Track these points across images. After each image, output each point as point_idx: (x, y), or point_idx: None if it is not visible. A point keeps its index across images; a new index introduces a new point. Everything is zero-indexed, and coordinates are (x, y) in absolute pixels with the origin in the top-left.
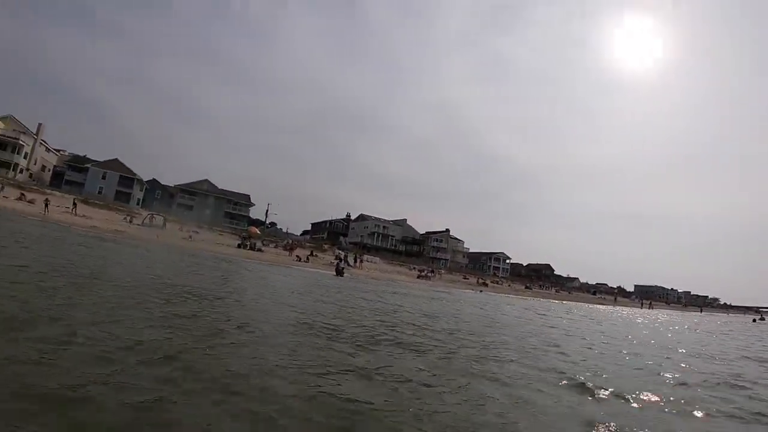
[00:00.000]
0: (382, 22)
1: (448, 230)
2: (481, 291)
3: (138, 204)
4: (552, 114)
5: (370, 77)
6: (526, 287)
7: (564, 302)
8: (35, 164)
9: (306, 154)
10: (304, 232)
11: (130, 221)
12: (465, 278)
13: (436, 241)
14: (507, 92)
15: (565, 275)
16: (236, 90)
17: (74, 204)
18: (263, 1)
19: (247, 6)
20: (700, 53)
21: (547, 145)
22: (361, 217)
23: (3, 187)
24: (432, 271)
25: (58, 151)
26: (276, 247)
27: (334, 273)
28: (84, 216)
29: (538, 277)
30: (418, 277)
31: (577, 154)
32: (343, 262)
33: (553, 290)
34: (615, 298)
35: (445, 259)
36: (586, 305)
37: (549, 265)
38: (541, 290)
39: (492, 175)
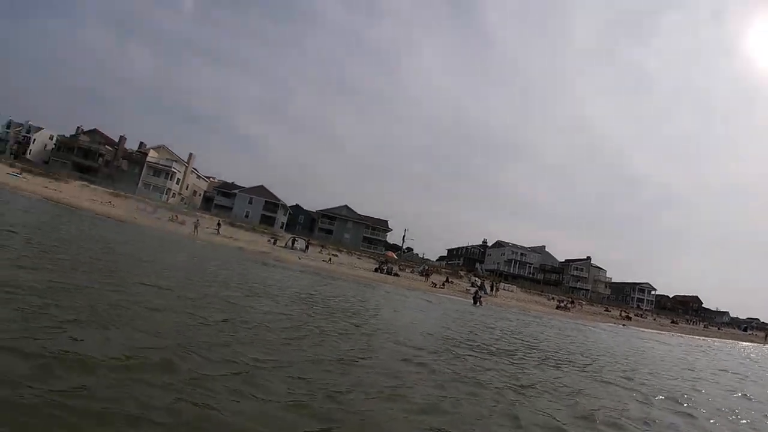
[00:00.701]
0: (508, 43)
1: (589, 258)
2: (623, 325)
3: (282, 227)
4: (698, 128)
5: (502, 100)
6: (673, 322)
7: (722, 340)
8: (187, 189)
9: (441, 180)
10: (440, 258)
11: (274, 243)
12: (606, 310)
13: (576, 269)
14: (647, 107)
15: (713, 309)
16: (372, 118)
17: (218, 225)
18: (393, 34)
19: (378, 40)
20: None
21: (694, 163)
22: (498, 244)
23: (156, 209)
24: (572, 302)
25: (208, 178)
26: (412, 272)
27: (472, 302)
28: (231, 237)
29: (685, 311)
30: (557, 307)
31: (729, 173)
32: (481, 290)
33: (701, 325)
34: (765, 336)
35: (586, 289)
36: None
37: (697, 297)
38: (688, 325)
39: (635, 199)
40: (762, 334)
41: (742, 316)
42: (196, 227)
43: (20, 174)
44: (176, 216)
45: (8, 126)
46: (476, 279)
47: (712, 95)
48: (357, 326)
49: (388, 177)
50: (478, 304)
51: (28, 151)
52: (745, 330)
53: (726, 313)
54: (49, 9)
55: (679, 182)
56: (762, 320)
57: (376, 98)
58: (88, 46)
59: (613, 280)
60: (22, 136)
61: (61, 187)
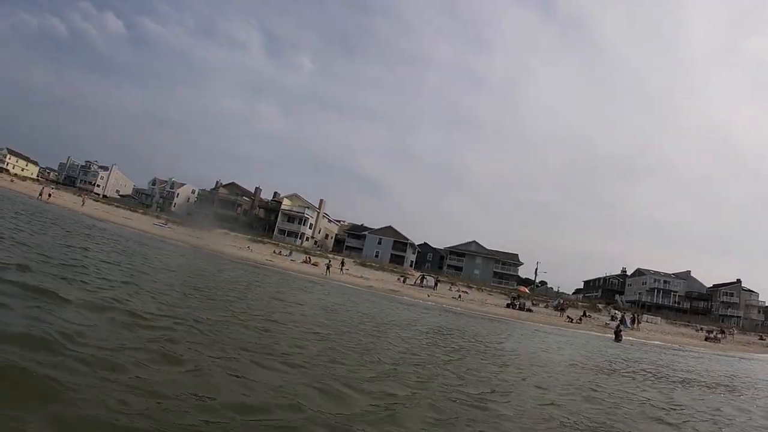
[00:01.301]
0: (625, 55)
1: (739, 281)
2: None
3: (411, 266)
4: None
5: (628, 117)
6: None
7: None
8: (319, 233)
9: (573, 209)
10: (577, 291)
11: (404, 281)
12: (761, 338)
13: (726, 294)
14: None
15: None
16: (494, 152)
17: (342, 263)
18: (505, 64)
19: (492, 71)
20: None
21: None
22: (638, 272)
23: (291, 252)
24: (722, 332)
25: (339, 221)
26: (546, 306)
27: (614, 338)
28: (361, 277)
29: None
30: (706, 339)
31: None
32: (621, 324)
33: None
34: None
35: (737, 316)
36: None
37: None
38: None
39: None
40: None
41: None
42: (328, 268)
43: (166, 224)
44: (309, 258)
45: (153, 183)
46: (616, 312)
47: None
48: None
49: (515, 210)
50: (618, 340)
51: (173, 205)
52: None
53: None
54: (184, 81)
55: None
56: None
57: (497, 131)
58: (222, 108)
59: (767, 304)
60: (167, 191)
61: (203, 235)
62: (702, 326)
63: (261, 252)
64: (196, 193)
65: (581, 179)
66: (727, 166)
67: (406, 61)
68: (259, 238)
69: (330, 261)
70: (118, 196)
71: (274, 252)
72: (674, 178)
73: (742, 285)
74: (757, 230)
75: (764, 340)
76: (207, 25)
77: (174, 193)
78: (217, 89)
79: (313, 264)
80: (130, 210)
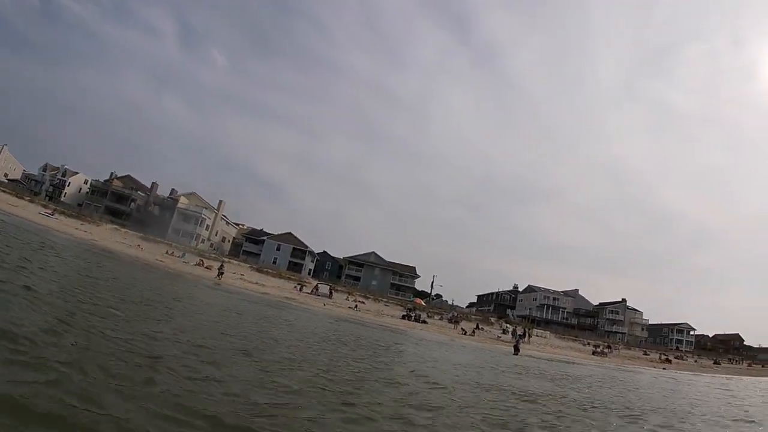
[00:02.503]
0: (531, 86)
1: (624, 300)
2: (664, 368)
3: (309, 274)
4: (728, 160)
5: (527, 144)
6: (715, 362)
7: None
8: (216, 235)
9: (470, 226)
10: (470, 305)
11: (300, 289)
12: (645, 354)
13: (612, 312)
14: (677, 143)
15: (756, 346)
16: (399, 166)
17: (219, 270)
18: (418, 83)
19: (404, 89)
20: None
21: (728, 196)
22: (529, 289)
23: (184, 254)
24: (608, 347)
25: (238, 224)
26: (441, 318)
27: (513, 351)
28: (257, 283)
29: (726, 350)
30: (593, 353)
31: (763, 203)
32: (522, 338)
33: (745, 364)
34: None
35: (622, 333)
36: None
37: (738, 335)
38: (730, 365)
39: (669, 238)
40: None
41: None
42: (220, 272)
43: (52, 214)
44: (202, 261)
45: (45, 169)
46: (508, 325)
47: (739, 123)
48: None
49: (416, 224)
50: (516, 353)
51: (63, 194)
52: None
53: None
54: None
55: (712, 217)
56: None
57: (404, 147)
58: (125, 96)
59: (650, 322)
60: (58, 179)
61: (92, 229)
62: (589, 341)
63: (152, 251)
64: (89, 183)
65: (480, 199)
66: (614, 194)
67: (321, 67)
68: (151, 237)
69: (222, 265)
70: (6, 180)
71: (167, 252)
72: (567, 203)
73: (627, 304)
74: (641, 255)
75: (648, 355)
76: (123, 7)
77: (65, 181)
78: (124, 76)
79: (206, 268)
80: (17, 196)
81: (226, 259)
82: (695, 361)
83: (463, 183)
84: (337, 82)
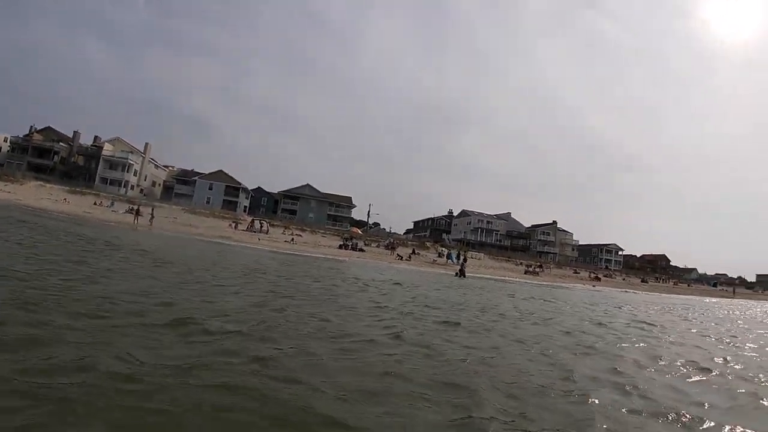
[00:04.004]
0: (465, 12)
1: (555, 222)
2: (594, 286)
3: (244, 211)
4: (658, 92)
5: (460, 70)
6: (642, 280)
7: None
8: (145, 180)
9: (404, 153)
10: (407, 231)
11: (235, 227)
12: (575, 272)
13: (543, 234)
14: (606, 72)
15: (681, 266)
16: (331, 96)
17: (137, 210)
18: (347, 6)
19: (331, 12)
20: None
21: (653, 125)
22: (464, 213)
23: (113, 203)
24: (540, 266)
25: (167, 167)
26: (378, 246)
27: (456, 274)
28: (190, 225)
29: (653, 270)
30: (526, 272)
31: (688, 133)
32: (465, 262)
33: (671, 283)
34: (734, 290)
35: (553, 253)
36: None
37: (664, 255)
38: (657, 283)
39: (599, 162)
40: (731, 288)
41: (710, 272)
42: (136, 215)
43: None
44: (132, 208)
45: None
46: (443, 249)
47: (667, 58)
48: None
49: (350, 154)
50: (462, 276)
51: None
52: (714, 285)
53: (694, 270)
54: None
55: (638, 145)
56: (730, 275)
57: (335, 75)
58: (38, 43)
59: (580, 243)
60: None
61: (15, 189)
62: (522, 261)
63: (79, 204)
64: (8, 141)
65: (413, 126)
66: (545, 120)
67: None
68: (78, 189)
69: (153, 209)
70: None
71: (95, 204)
72: (498, 128)
73: (558, 226)
74: (570, 179)
75: (578, 273)
76: None
77: None
78: (34, 18)
79: (137, 214)
80: None
81: (157, 203)
82: (623, 279)
83: (397, 110)
84: (262, 8)
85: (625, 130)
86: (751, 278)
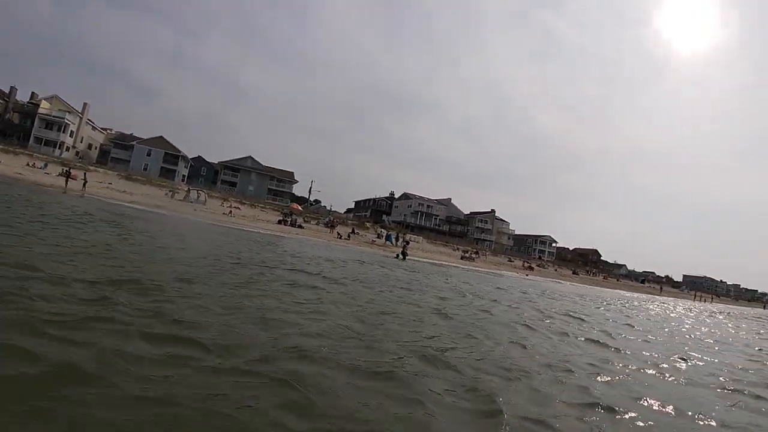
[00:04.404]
0: (423, 2)
1: (493, 211)
2: (526, 275)
3: (183, 180)
4: (605, 94)
5: (416, 56)
6: (574, 272)
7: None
8: (81, 142)
9: (351, 133)
10: (348, 210)
11: (172, 196)
12: (510, 260)
13: (481, 221)
14: (558, 71)
15: (612, 261)
16: (282, 70)
17: (67, 173)
18: None
19: None
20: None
21: (599, 127)
22: (405, 196)
23: (47, 165)
24: (476, 252)
25: (105, 129)
26: (317, 223)
27: (397, 255)
28: (125, 191)
29: (585, 263)
30: (462, 258)
31: (630, 137)
32: (397, 243)
33: (601, 277)
34: (661, 288)
35: (490, 241)
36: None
37: (596, 250)
38: (588, 276)
39: (541, 158)
40: (658, 286)
41: (639, 269)
42: (67, 179)
43: None
44: (67, 170)
45: None
46: (382, 230)
47: (619, 63)
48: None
49: (296, 129)
50: (404, 258)
51: None
52: (642, 282)
53: (624, 266)
54: None
55: (581, 145)
56: (657, 273)
57: (286, 49)
58: None
59: (516, 233)
60: None
61: None
62: (459, 246)
63: (11, 164)
64: None
65: (363, 107)
66: (493, 113)
67: None
68: (11, 149)
69: (86, 174)
70: None
71: (28, 164)
72: (447, 116)
73: (496, 215)
74: (513, 172)
75: (512, 261)
76: None
77: None
78: None
79: (71, 177)
80: None
81: (92, 167)
82: (555, 270)
83: (347, 89)
84: None
85: (571, 129)
86: (678, 278)
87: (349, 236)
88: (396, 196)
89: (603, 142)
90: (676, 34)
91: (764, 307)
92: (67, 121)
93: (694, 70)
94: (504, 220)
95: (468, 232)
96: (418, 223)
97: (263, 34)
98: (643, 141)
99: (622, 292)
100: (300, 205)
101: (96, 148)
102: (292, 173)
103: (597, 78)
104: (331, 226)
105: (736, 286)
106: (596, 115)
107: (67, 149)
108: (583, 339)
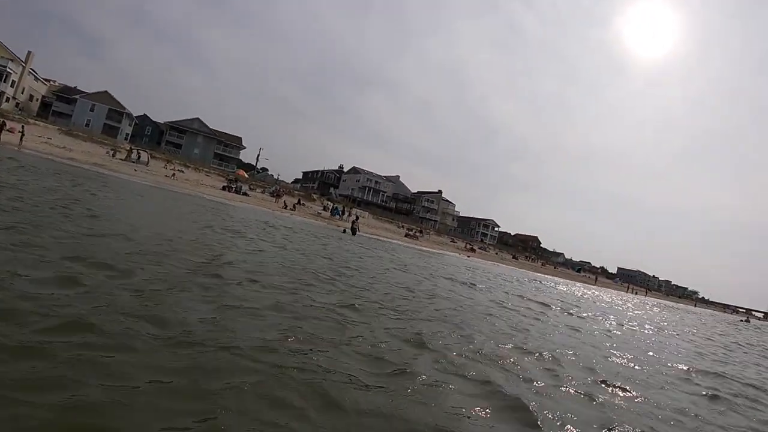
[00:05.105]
0: None
1: (440, 191)
2: (468, 257)
3: (126, 139)
4: (562, 92)
5: (378, 31)
6: (513, 257)
7: (568, 280)
8: (23, 93)
9: (304, 104)
10: (295, 181)
11: (113, 155)
12: (453, 241)
13: (427, 201)
14: (520, 63)
15: (551, 249)
16: (239, 33)
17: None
18: None
19: None
20: (715, 46)
21: (553, 122)
22: (354, 170)
23: None
24: (420, 231)
25: (48, 81)
26: (263, 192)
27: (344, 230)
28: (64, 147)
29: (525, 248)
30: (406, 235)
31: (583, 134)
32: (357, 222)
33: (539, 263)
34: (596, 279)
35: (435, 221)
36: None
37: (537, 237)
38: (527, 261)
39: (493, 145)
40: (593, 276)
41: (576, 259)
42: (22, 135)
43: None
44: (3, 122)
45: None
46: (329, 203)
47: (576, 62)
48: None
49: (249, 96)
50: (354, 234)
51: None
52: (578, 271)
53: (561, 254)
54: None
55: (534, 137)
56: (593, 264)
57: (250, 15)
58: None
59: (460, 214)
60: None
61: None
62: (404, 224)
63: None
64: None
65: (320, 79)
66: (451, 97)
67: None
68: None
69: (23, 128)
70: None
71: None
72: (404, 95)
73: (443, 195)
74: (465, 156)
75: (455, 242)
76: None
77: None
78: None
79: (8, 130)
80: None
81: (32, 120)
82: (496, 254)
83: (304, 58)
84: None
85: (526, 120)
86: (613, 270)
87: (294, 207)
88: (345, 170)
89: (555, 137)
90: (637, 39)
91: (695, 305)
92: (9, 70)
93: (651, 76)
94: (450, 202)
95: (414, 210)
96: (365, 198)
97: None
98: (594, 140)
99: (558, 278)
100: (246, 172)
101: (37, 100)
102: (240, 138)
103: (557, 74)
104: (277, 195)
105: (668, 282)
106: (552, 110)
107: (7, 100)
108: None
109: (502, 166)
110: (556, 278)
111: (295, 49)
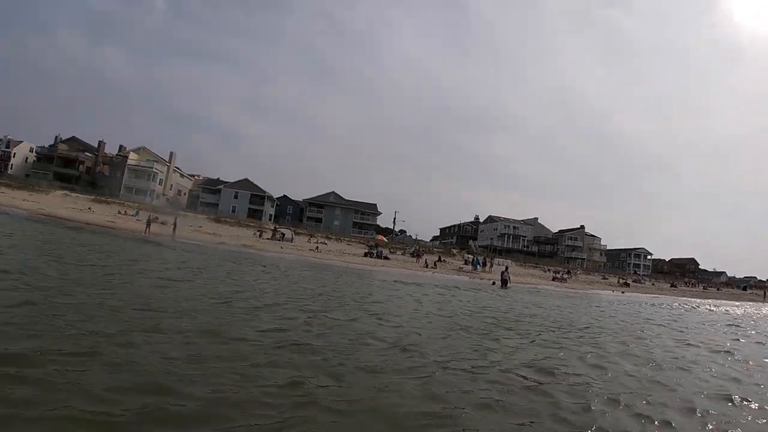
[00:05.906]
0: (484, 13)
1: (582, 227)
2: (623, 292)
3: (270, 219)
4: (679, 89)
5: (481, 72)
6: (672, 285)
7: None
8: (170, 189)
9: (429, 159)
10: (434, 238)
11: (260, 236)
12: (604, 278)
13: (571, 239)
14: (630, 71)
15: (711, 269)
16: (354, 102)
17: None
18: (365, 12)
19: (351, 20)
20: None
21: (679, 123)
22: (490, 219)
23: (137, 212)
24: (568, 272)
25: (193, 176)
26: (403, 254)
27: (493, 282)
28: (214, 234)
29: (682, 273)
30: (553, 279)
31: (715, 128)
32: (507, 271)
33: (701, 287)
34: (765, 294)
35: (581, 259)
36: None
37: (693, 259)
38: (687, 288)
39: (623, 164)
40: (761, 292)
41: (739, 275)
42: (148, 225)
43: None
44: (156, 217)
45: None
46: (469, 256)
47: (691, 55)
48: None
49: (374, 160)
50: (505, 286)
51: (9, 166)
52: (744, 289)
53: (723, 273)
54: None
55: (662, 144)
56: (759, 278)
57: (356, 81)
58: (61, 53)
59: (608, 248)
60: (1, 150)
61: (40, 198)
62: (549, 267)
63: (103, 213)
64: (34, 151)
65: (437, 131)
66: (568, 122)
67: (266, 6)
68: (103, 198)
69: (176, 219)
70: None
71: (119, 213)
72: (522, 131)
73: (586, 230)
74: (598, 182)
75: (606, 279)
76: None
77: (10, 152)
78: (57, 29)
79: (161, 223)
80: None
81: (182, 212)
82: (653, 284)
83: (420, 115)
84: (283, 19)
85: (648, 129)
86: None
87: (435, 265)
88: (481, 220)
89: (683, 139)
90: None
91: None
92: (155, 170)
93: None
94: (595, 236)
95: (558, 251)
96: (505, 245)
97: (332, 70)
98: (723, 133)
99: (723, 301)
100: (385, 236)
101: (185, 194)
102: (375, 205)
103: (669, 73)
104: (417, 255)
105: None
106: (672, 112)
107: (157, 196)
108: None
109: (639, 183)
110: (725, 301)
111: (403, 105)
